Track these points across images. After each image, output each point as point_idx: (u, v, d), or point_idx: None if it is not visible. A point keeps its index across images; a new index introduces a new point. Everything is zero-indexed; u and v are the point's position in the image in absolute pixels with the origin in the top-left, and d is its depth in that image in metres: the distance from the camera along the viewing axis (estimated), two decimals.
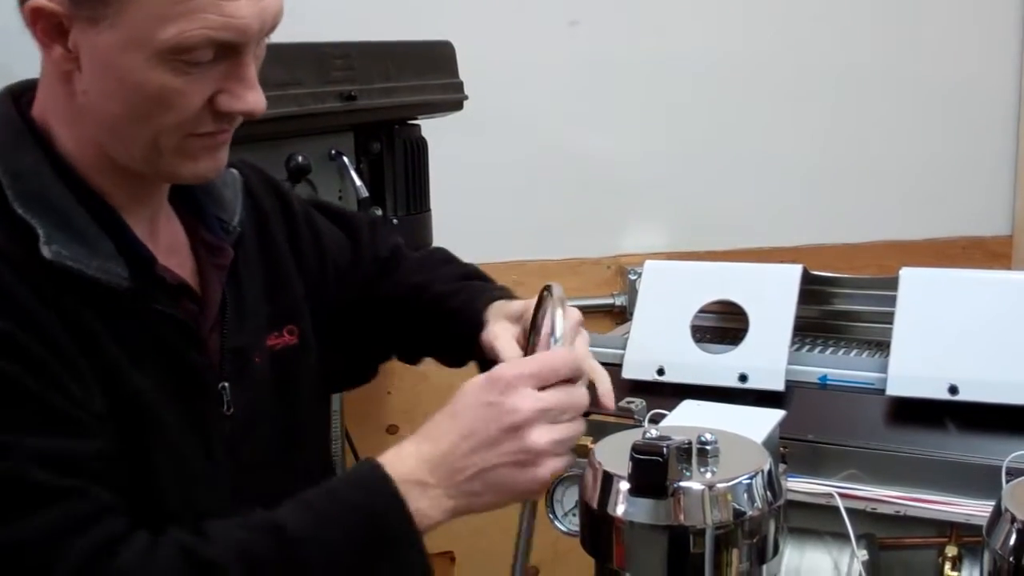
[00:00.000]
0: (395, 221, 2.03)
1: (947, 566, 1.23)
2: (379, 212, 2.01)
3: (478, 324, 1.30)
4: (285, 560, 1.03)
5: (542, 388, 1.11)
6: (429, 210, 2.10)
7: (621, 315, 2.53)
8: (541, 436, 1.09)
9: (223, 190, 1.27)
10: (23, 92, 1.16)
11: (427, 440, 1.10)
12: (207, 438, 1.17)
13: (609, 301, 2.57)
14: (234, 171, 1.29)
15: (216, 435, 1.18)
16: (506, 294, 1.39)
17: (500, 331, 1.27)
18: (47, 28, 1.06)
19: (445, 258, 1.52)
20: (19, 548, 0.97)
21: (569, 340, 1.19)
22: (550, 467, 1.10)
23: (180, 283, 1.18)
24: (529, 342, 1.21)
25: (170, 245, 1.21)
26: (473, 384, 1.11)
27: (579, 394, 1.13)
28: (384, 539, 1.07)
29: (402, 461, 1.09)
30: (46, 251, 1.06)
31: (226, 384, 1.20)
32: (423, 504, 1.08)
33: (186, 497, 1.12)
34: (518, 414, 1.08)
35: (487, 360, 1.24)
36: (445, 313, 1.38)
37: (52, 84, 1.12)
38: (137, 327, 1.12)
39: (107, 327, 1.09)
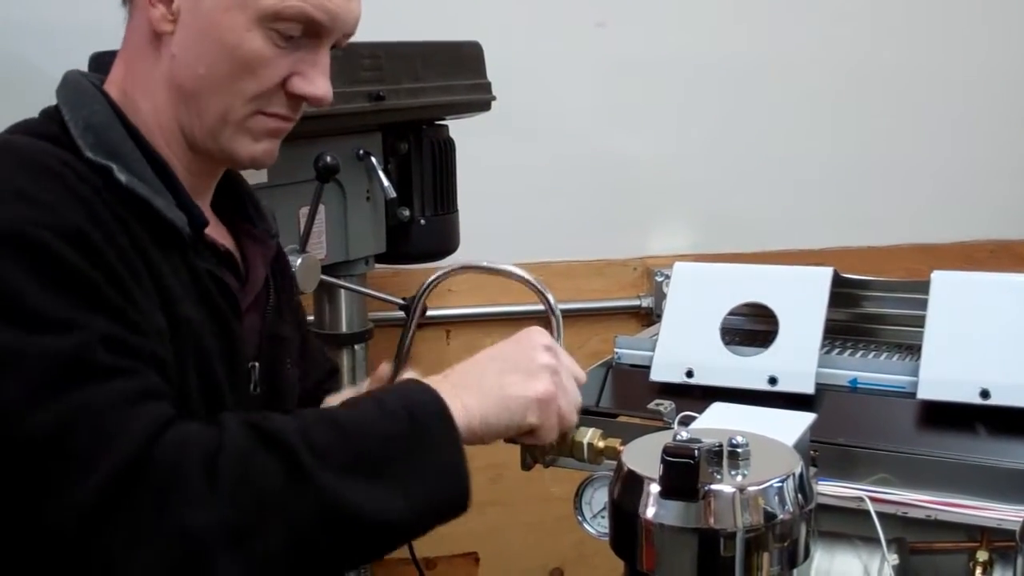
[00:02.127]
0: (422, 222, 2.04)
1: (978, 571, 1.22)
2: (407, 212, 2.01)
3: None
4: (342, 444, 1.05)
5: None
6: (456, 211, 2.10)
7: (647, 317, 2.53)
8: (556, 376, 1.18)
9: (262, 205, 1.35)
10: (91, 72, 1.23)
11: (455, 370, 1.17)
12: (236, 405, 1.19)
13: (635, 303, 2.56)
14: None
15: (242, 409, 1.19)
16: None
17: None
18: None
19: None
20: (82, 413, 0.97)
21: None
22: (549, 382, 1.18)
23: (227, 251, 1.23)
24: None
25: (214, 227, 1.25)
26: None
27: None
28: (425, 433, 1.08)
29: (432, 380, 1.14)
30: (122, 176, 1.11)
31: (256, 364, 1.24)
32: (455, 404, 1.11)
33: None
34: (546, 352, 1.19)
35: None
36: None
37: (138, 50, 1.18)
38: (189, 275, 1.16)
39: (166, 260, 1.13)
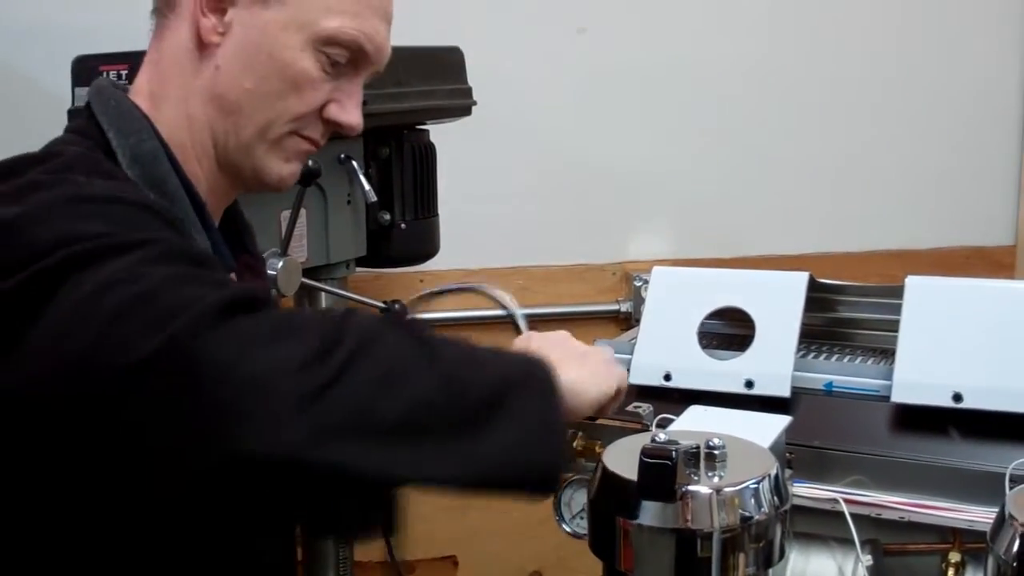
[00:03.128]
0: (403, 226, 2.04)
1: (950, 572, 1.24)
2: (388, 216, 2.02)
3: None
4: (466, 347, 1.03)
5: None
6: (437, 215, 2.11)
7: (626, 321, 2.54)
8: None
9: (252, 230, 1.37)
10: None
11: None
12: None
13: (614, 307, 2.57)
14: None
15: None
16: None
17: None
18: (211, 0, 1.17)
19: None
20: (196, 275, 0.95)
21: None
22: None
23: None
24: None
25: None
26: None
27: None
28: (532, 370, 1.06)
29: None
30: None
31: None
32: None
33: None
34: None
35: None
36: None
37: (175, 59, 1.19)
38: None
39: None
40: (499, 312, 2.35)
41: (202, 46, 1.17)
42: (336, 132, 1.24)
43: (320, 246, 1.94)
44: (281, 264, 1.73)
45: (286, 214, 1.81)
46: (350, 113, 1.22)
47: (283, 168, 1.22)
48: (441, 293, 1.35)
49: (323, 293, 2.02)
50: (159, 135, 1.17)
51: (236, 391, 0.86)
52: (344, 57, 1.18)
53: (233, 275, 1.22)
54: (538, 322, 1.45)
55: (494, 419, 0.97)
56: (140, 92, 1.20)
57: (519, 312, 1.30)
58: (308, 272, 1.89)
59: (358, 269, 2.08)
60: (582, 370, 1.16)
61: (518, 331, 1.30)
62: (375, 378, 0.92)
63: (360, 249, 2.03)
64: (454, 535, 2.55)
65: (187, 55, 1.18)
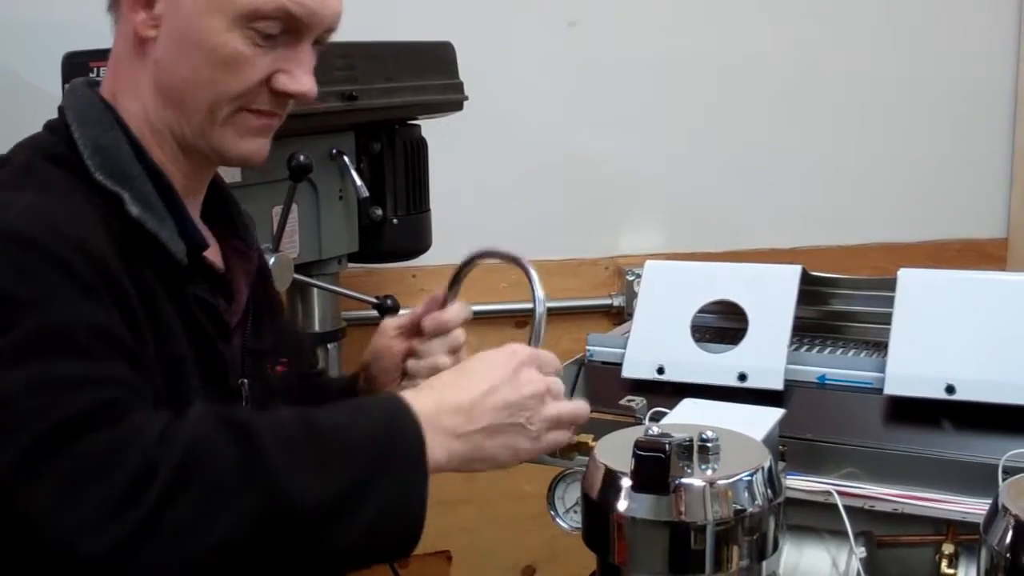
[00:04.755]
0: (395, 221, 2.04)
1: (943, 563, 1.24)
2: (379, 212, 2.02)
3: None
4: (310, 442, 1.02)
5: None
6: (428, 210, 2.11)
7: (618, 315, 2.54)
8: (553, 408, 1.15)
9: (247, 218, 1.37)
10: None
11: (448, 389, 1.13)
12: None
13: (607, 301, 2.57)
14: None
15: None
16: None
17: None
18: None
19: None
20: (46, 379, 0.96)
21: None
22: (551, 439, 1.16)
23: (222, 275, 1.24)
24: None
25: (207, 239, 1.26)
26: (493, 353, 1.18)
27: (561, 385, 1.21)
28: (394, 453, 1.05)
29: (422, 401, 1.10)
30: (133, 208, 1.13)
31: (245, 381, 1.25)
32: (434, 441, 1.08)
33: None
34: (540, 383, 1.15)
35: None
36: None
37: (125, 56, 1.20)
38: (184, 305, 1.17)
39: (168, 294, 1.15)
40: (493, 307, 2.37)
41: (141, 41, 1.17)
42: (296, 102, 1.22)
43: (312, 242, 1.94)
44: (273, 260, 1.73)
45: (278, 209, 1.81)
46: (299, 81, 1.19)
47: (242, 145, 1.20)
48: (479, 258, 1.35)
49: (315, 289, 2.02)
50: (124, 125, 1.18)
51: (45, 546, 0.91)
52: (276, 28, 1.16)
53: (207, 253, 1.22)
54: (532, 317, 1.45)
55: (346, 514, 1.00)
56: (105, 89, 1.22)
57: (541, 294, 1.30)
58: (300, 268, 1.89)
59: (350, 264, 2.08)
60: (470, 453, 1.11)
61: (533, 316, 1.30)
62: (190, 512, 0.94)
63: (352, 244, 2.03)
64: (447, 530, 2.55)
65: (132, 51, 1.19)
